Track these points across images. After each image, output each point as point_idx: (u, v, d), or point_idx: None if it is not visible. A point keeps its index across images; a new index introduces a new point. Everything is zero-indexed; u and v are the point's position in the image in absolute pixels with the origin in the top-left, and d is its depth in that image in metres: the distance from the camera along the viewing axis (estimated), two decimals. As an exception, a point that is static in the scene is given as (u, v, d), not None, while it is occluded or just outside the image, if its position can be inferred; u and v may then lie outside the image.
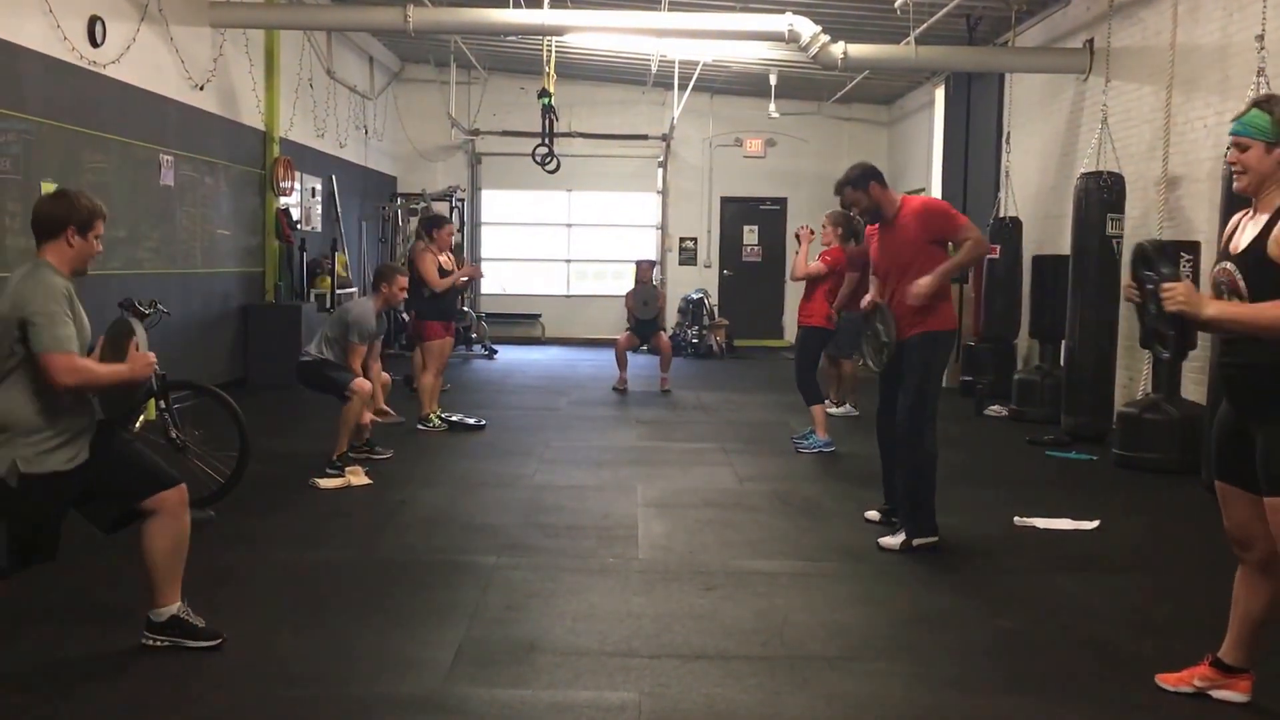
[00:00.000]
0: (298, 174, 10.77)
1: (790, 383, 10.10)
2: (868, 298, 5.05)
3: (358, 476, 6.08)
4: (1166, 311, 2.90)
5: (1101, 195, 7.43)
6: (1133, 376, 7.78)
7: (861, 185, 4.85)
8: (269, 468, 6.10)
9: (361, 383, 6.37)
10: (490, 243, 16.14)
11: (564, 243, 16.09)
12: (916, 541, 4.78)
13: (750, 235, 15.99)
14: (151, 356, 3.41)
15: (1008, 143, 9.79)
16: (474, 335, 13.75)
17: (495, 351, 13.56)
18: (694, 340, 14.11)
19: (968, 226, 4.87)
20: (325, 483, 5.97)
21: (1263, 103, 2.93)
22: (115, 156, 7.46)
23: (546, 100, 11.08)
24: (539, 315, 15.77)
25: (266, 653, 3.52)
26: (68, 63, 6.89)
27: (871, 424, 5.34)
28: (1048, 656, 3.62)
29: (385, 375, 7.07)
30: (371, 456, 6.61)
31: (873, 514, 5.28)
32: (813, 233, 7.57)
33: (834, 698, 3.25)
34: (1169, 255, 3.15)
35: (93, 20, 7.18)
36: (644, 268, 10.83)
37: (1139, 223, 7.72)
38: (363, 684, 3.29)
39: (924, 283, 4.63)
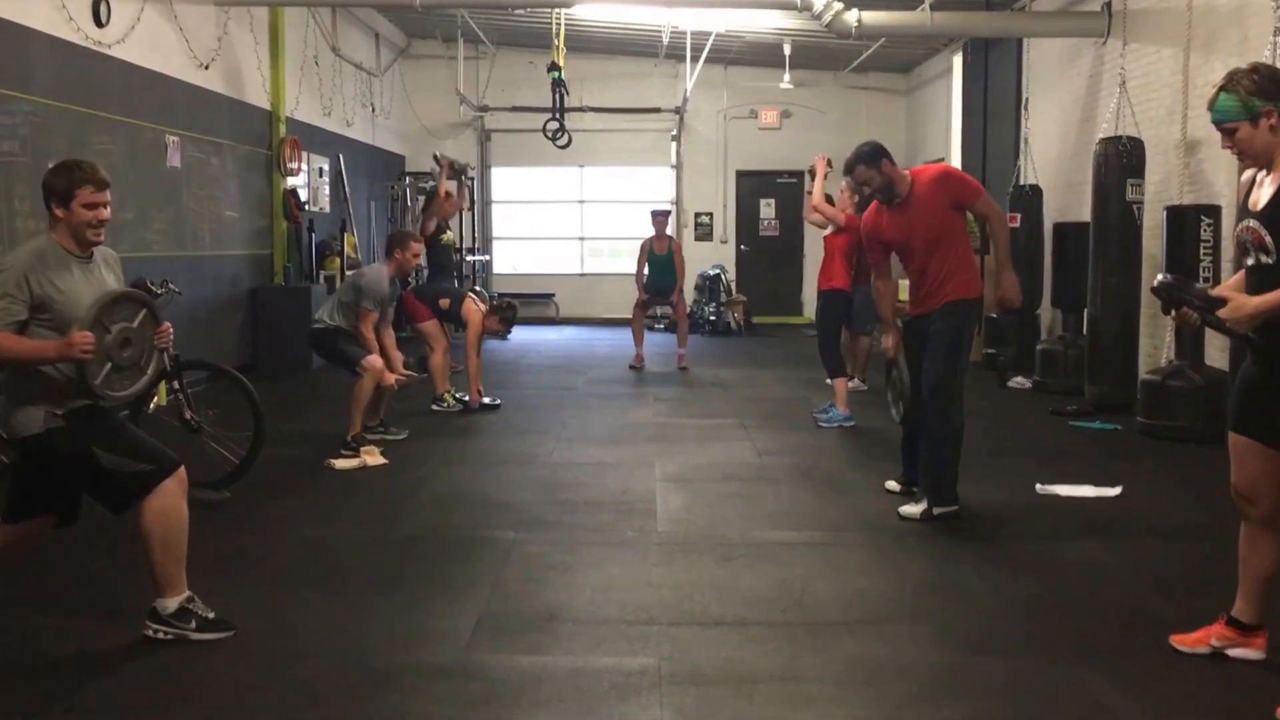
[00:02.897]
0: (305, 154, 10.88)
1: (809, 359, 10.17)
2: (887, 344, 5.07)
3: (373, 457, 6.20)
4: (1231, 331, 3.00)
5: (1121, 160, 7.46)
6: (1157, 344, 7.81)
7: (874, 163, 4.88)
8: (282, 449, 6.22)
9: (373, 360, 6.48)
10: (501, 221, 16.22)
11: (577, 220, 16.15)
12: (937, 510, 4.85)
13: (767, 209, 16.02)
14: (85, 340, 3.28)
15: (1026, 109, 9.78)
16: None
17: (509, 332, 13.63)
18: (711, 317, 14.17)
19: (986, 198, 4.93)
20: (341, 463, 6.09)
21: (1225, 85, 3.02)
22: (122, 138, 7.57)
23: (556, 74, 11.14)
24: (553, 295, 15.87)
25: (283, 629, 3.62)
26: (73, 43, 7.00)
27: (885, 398, 5.41)
28: (1067, 619, 3.71)
29: (398, 354, 7.14)
30: (386, 437, 6.72)
31: (893, 484, 5.36)
32: (830, 163, 7.52)
33: (852, 660, 3.34)
34: (1188, 283, 3.21)
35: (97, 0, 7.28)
36: (659, 219, 10.63)
37: (1159, 188, 7.74)
38: (382, 655, 3.40)
39: (1009, 289, 4.84)
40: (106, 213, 3.44)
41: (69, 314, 3.36)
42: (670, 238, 10.69)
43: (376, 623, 3.68)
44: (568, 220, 16.17)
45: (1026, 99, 9.88)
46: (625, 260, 16.08)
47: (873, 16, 9.23)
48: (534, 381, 9.67)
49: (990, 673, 3.28)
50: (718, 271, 14.75)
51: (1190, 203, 7.07)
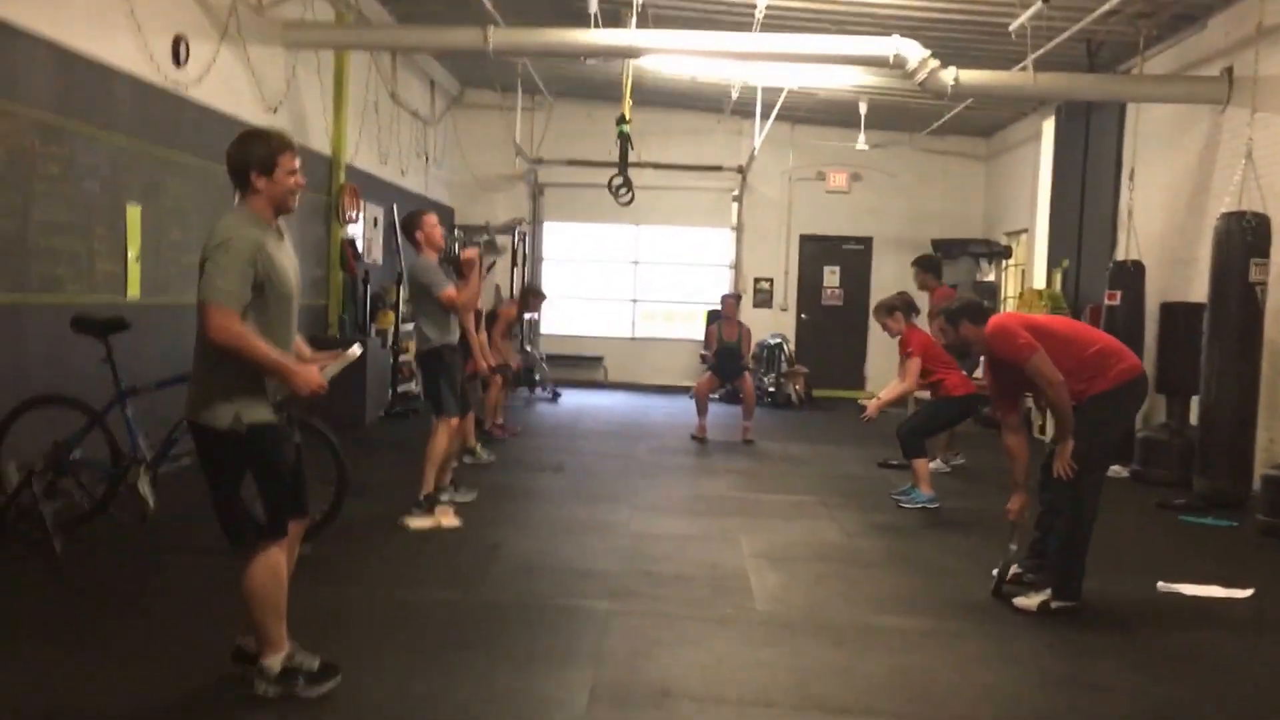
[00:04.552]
0: (362, 203, 11.21)
1: (880, 436, 10.30)
2: (1012, 506, 5.16)
3: (448, 518, 6.35)
4: None
5: (1244, 237, 7.54)
6: (1274, 437, 7.84)
7: (952, 321, 5.14)
8: (353, 505, 6.37)
9: (452, 422, 6.61)
10: (551, 279, 16.52)
11: (630, 281, 16.41)
12: (1055, 604, 4.92)
13: (831, 276, 16.20)
14: (316, 379, 3.59)
15: (1131, 179, 9.92)
16: (536, 377, 14.07)
17: (559, 394, 13.85)
18: (771, 389, 14.30)
19: (1036, 360, 4.85)
20: (415, 523, 6.24)
21: None
22: (195, 180, 7.90)
23: (624, 128, 11.44)
24: (602, 358, 16.07)
25: (394, 692, 3.75)
26: (153, 83, 7.35)
27: (975, 478, 5.50)
28: (1215, 722, 3.76)
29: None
30: (455, 498, 6.86)
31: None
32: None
33: (994, 754, 3.41)
34: None
35: (177, 40, 7.65)
36: (730, 303, 11.03)
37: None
38: (496, 723, 3.52)
39: (1063, 461, 4.88)
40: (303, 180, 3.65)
41: (280, 290, 3.54)
42: (741, 324, 10.96)
43: (483, 690, 3.79)
44: (620, 280, 16.43)
45: (1131, 169, 10.00)
46: (679, 325, 16.39)
47: (971, 76, 9.39)
48: (594, 448, 9.81)
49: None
50: (779, 341, 14.91)
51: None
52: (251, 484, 3.63)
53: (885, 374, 15.58)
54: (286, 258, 3.65)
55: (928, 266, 9.64)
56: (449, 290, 6.49)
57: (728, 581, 5.34)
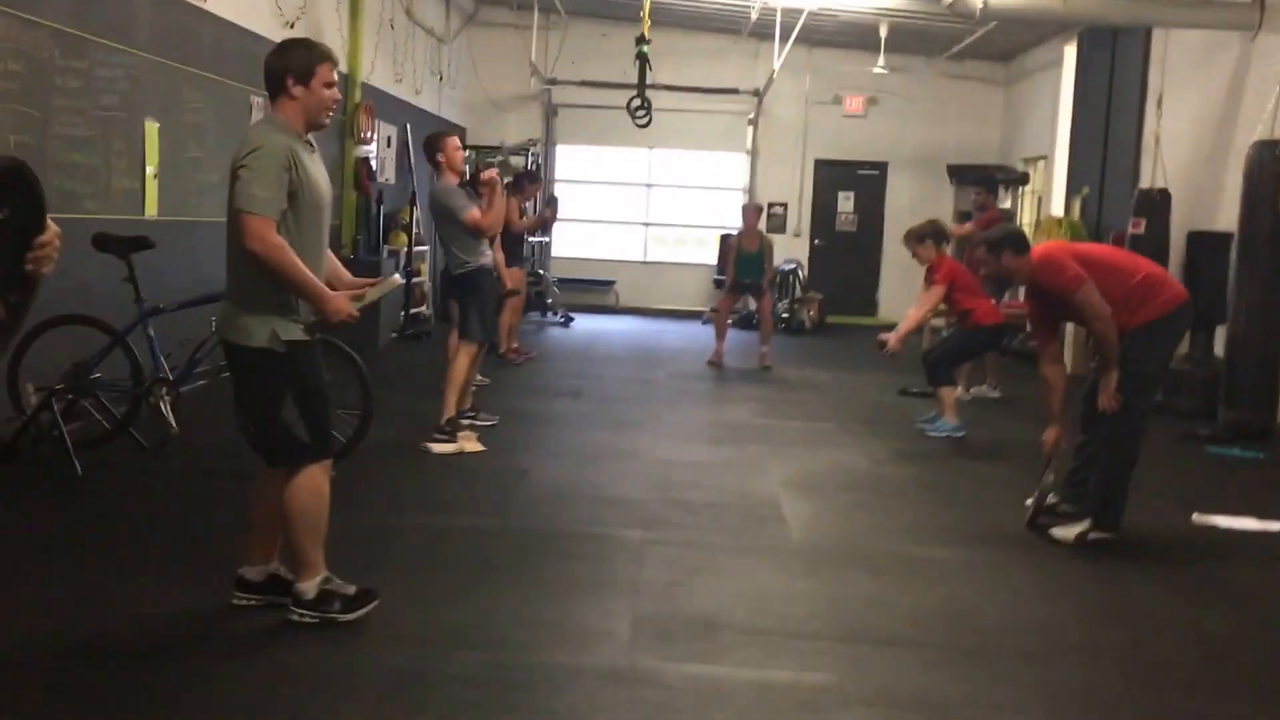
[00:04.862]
0: (376, 122, 10.92)
1: (898, 363, 10.12)
2: (1048, 438, 5.02)
3: (471, 443, 6.23)
4: None
5: (1276, 167, 7.33)
6: (1301, 368, 7.69)
7: (994, 251, 4.94)
8: (374, 429, 6.24)
9: (472, 348, 6.46)
10: (562, 202, 16.20)
11: (642, 204, 16.13)
12: (1093, 535, 4.82)
13: (845, 202, 15.92)
14: (348, 308, 3.42)
15: (1159, 106, 9.64)
16: (548, 301, 13.89)
17: (572, 319, 13.68)
18: (785, 315, 14.12)
19: (1085, 292, 4.66)
20: (438, 448, 6.12)
21: None
22: (213, 96, 7.64)
23: (643, 48, 11.10)
24: (613, 282, 15.86)
25: (430, 621, 3.64)
26: (171, -5, 7.06)
27: (1007, 408, 5.37)
28: (1268, 661, 3.66)
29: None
30: (476, 422, 6.73)
31: (1031, 502, 5.31)
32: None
33: (1047, 692, 3.31)
34: None
35: (193, -50, 7.34)
36: (751, 213, 10.73)
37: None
38: (542, 652, 3.42)
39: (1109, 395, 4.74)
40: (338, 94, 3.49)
41: (312, 201, 3.39)
42: (762, 234, 10.67)
43: (523, 619, 3.69)
44: (632, 204, 16.15)
45: (1160, 95, 9.72)
46: (691, 249, 16.15)
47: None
48: (611, 373, 9.67)
49: (1202, 716, 3.24)
50: (793, 266, 14.69)
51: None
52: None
53: (898, 300, 15.44)
54: (319, 170, 3.49)
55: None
56: (473, 213, 6.30)
57: (760, 510, 5.24)
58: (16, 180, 1.77)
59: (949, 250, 7.82)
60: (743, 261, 10.47)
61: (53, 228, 1.84)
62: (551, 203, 11.93)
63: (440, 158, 6.43)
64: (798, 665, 3.42)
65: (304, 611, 3.51)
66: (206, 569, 3.96)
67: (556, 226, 15.94)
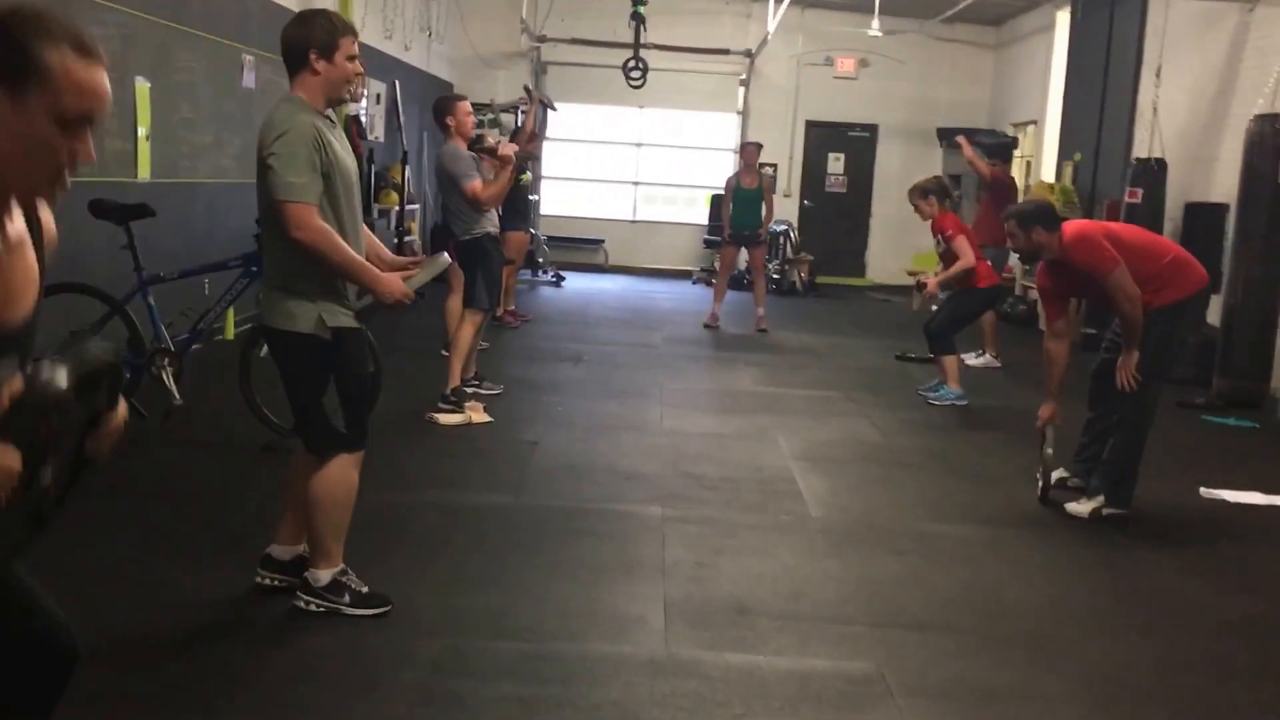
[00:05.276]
0: (367, 79, 10.64)
1: (895, 327, 10.11)
2: (1043, 413, 4.96)
3: (478, 414, 6.10)
4: None
5: (1277, 141, 7.25)
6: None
7: (1025, 226, 4.80)
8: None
9: (478, 316, 6.31)
10: (551, 160, 15.98)
11: (632, 164, 15.91)
12: (1107, 511, 4.78)
13: (835, 164, 15.75)
14: (401, 289, 3.31)
15: (1158, 76, 9.52)
16: (539, 260, 13.70)
17: (563, 278, 13.51)
18: (775, 276, 14.01)
19: (1118, 275, 4.59)
20: (445, 419, 5.99)
21: None
22: (202, 56, 7.38)
23: (640, 8, 10.88)
24: (602, 241, 15.67)
25: (455, 607, 3.54)
26: (160, -51, 6.78)
27: (1008, 377, 5.30)
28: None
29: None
30: (480, 391, 6.61)
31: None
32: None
33: (1086, 681, 3.26)
34: None
35: (183, -97, 7.04)
36: (750, 150, 10.52)
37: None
38: (578, 642, 3.33)
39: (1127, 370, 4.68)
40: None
41: (344, 181, 3.25)
42: (762, 172, 10.48)
43: (552, 605, 3.60)
44: (622, 163, 15.92)
45: (1159, 65, 9.59)
46: (680, 209, 15.96)
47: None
48: (609, 337, 9.54)
49: (1240, 700, 3.20)
50: (785, 227, 14.54)
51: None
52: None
53: (885, 262, 15.39)
54: (344, 147, 3.33)
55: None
56: (474, 183, 6.13)
57: (775, 484, 5.16)
58: (113, 376, 1.75)
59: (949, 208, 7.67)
60: (741, 199, 10.26)
61: (122, 412, 1.77)
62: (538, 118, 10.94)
63: (450, 121, 6.25)
64: (836, 653, 3.35)
65: (311, 598, 3.39)
66: (219, 548, 3.86)
67: (545, 185, 15.76)
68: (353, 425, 3.36)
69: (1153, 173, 9.13)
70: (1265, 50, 8.14)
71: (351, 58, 3.27)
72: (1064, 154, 12.06)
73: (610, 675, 3.11)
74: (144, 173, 6.71)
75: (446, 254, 3.82)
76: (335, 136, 3.29)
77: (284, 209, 3.11)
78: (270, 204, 3.16)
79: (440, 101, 6.45)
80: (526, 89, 11.12)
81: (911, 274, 12.06)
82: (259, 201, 3.25)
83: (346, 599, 3.40)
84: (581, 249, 15.43)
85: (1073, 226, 4.86)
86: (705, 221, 15.14)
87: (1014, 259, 9.91)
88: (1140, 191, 9.13)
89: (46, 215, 1.71)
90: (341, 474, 3.35)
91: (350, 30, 3.28)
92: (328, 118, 3.32)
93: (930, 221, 7.47)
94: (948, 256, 7.41)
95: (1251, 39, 8.60)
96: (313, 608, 3.38)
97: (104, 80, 1.56)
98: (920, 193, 7.54)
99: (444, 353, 6.88)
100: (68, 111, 1.53)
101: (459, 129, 6.25)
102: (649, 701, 2.97)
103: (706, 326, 10.25)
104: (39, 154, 1.53)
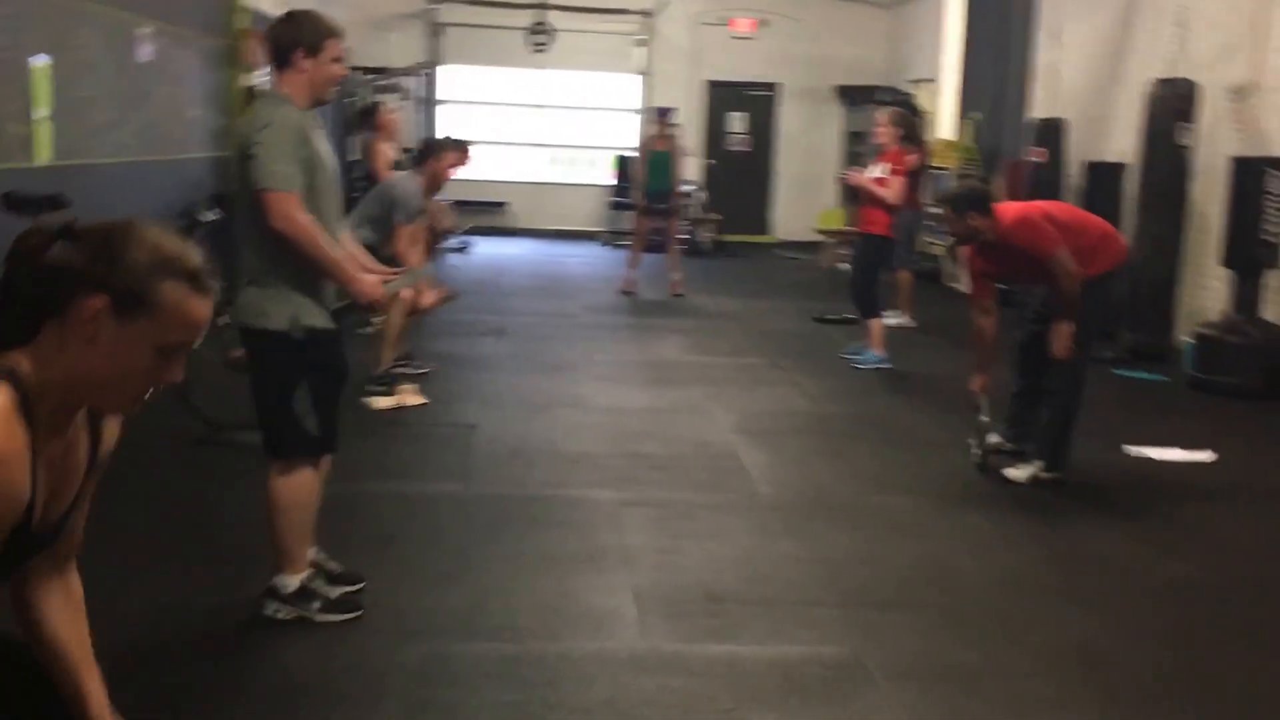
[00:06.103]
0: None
1: (806, 286, 10.18)
2: (974, 385, 5.08)
3: (412, 396, 5.96)
4: None
5: (1177, 104, 7.49)
6: (1196, 295, 7.98)
7: (959, 209, 4.83)
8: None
9: (406, 295, 6.16)
10: (449, 123, 15.59)
11: (535, 126, 15.64)
12: (1045, 475, 4.92)
13: (737, 123, 15.77)
14: (379, 290, 3.30)
15: (1057, 38, 9.72)
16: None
17: (467, 246, 13.22)
18: (683, 236, 13.96)
19: (1060, 256, 4.69)
20: (378, 402, 5.85)
21: None
22: (105, 32, 6.95)
23: (543, -31, 10.63)
24: (507, 203, 15.43)
25: (434, 605, 3.48)
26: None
27: (924, 337, 5.39)
28: (1242, 604, 3.79)
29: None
30: (408, 371, 6.45)
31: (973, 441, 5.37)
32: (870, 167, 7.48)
33: (1055, 654, 3.34)
34: None
35: None
36: (661, 112, 10.47)
37: (1209, 134, 7.80)
38: (559, 640, 3.29)
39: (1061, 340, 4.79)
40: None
41: (325, 179, 3.19)
42: (673, 136, 10.39)
43: (522, 600, 3.55)
44: (524, 125, 15.64)
45: (1061, 27, 9.79)
46: (584, 169, 15.80)
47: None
48: (527, 307, 9.41)
49: (1199, 667, 3.34)
50: (693, 188, 14.50)
51: (1241, 153, 7.12)
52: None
53: (790, 220, 15.51)
54: (325, 147, 3.26)
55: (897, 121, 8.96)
56: (401, 236, 6.08)
57: (721, 462, 5.17)
58: None
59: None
60: (655, 163, 10.16)
61: None
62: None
63: (430, 163, 6.40)
64: (810, 638, 3.38)
65: (280, 605, 3.30)
66: (197, 555, 3.71)
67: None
68: (323, 428, 3.24)
69: (1053, 133, 9.37)
70: (1159, 12, 8.35)
71: (337, 59, 3.23)
72: (964, 113, 12.28)
73: (595, 674, 3.08)
74: (44, 155, 6.30)
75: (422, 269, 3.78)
76: (318, 136, 3.24)
77: (266, 198, 3.04)
78: (252, 195, 3.07)
79: (433, 142, 6.75)
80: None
81: (822, 233, 12.15)
82: (238, 197, 3.18)
83: (317, 606, 3.32)
84: (486, 211, 15.14)
85: (1011, 210, 4.94)
86: (611, 183, 15.02)
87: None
88: (1046, 151, 9.36)
89: (112, 424, 1.70)
90: (302, 478, 3.27)
91: (336, 33, 3.23)
92: (312, 117, 3.26)
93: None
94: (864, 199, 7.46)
95: (1143, 1, 8.81)
96: (281, 615, 3.29)
97: (209, 311, 1.55)
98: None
99: (367, 330, 6.70)
100: (171, 344, 1.51)
101: (435, 174, 6.40)
102: (639, 700, 2.96)
103: (623, 293, 10.19)
104: (130, 380, 1.52)
